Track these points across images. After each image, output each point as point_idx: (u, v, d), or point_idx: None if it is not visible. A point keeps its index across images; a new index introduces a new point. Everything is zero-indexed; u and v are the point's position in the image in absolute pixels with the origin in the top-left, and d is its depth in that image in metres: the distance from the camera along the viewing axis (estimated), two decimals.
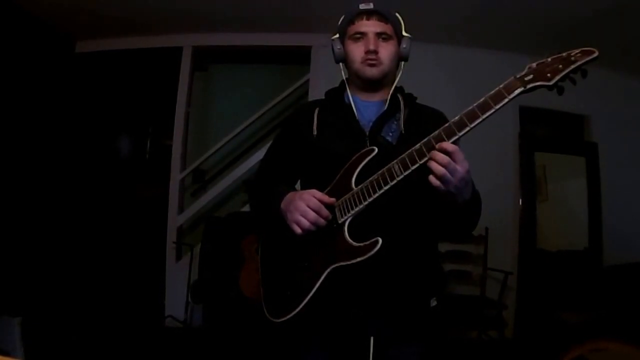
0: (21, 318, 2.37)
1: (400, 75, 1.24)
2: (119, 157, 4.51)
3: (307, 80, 3.88)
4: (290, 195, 1.13)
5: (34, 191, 3.56)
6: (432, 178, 0.93)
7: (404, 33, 1.21)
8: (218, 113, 4.51)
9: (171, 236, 3.81)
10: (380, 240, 0.98)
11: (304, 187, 1.21)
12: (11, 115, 3.32)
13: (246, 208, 3.80)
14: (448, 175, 0.92)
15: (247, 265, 3.12)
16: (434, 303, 1.15)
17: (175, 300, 3.62)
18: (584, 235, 3.74)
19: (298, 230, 1.07)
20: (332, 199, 1.08)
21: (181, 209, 3.91)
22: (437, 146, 0.93)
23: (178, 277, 3.67)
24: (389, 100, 1.19)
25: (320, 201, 1.07)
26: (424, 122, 1.14)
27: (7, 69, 3.28)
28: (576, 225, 3.77)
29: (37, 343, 2.52)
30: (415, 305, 1.14)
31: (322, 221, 1.06)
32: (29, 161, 3.51)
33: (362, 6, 1.18)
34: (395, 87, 1.22)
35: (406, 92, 1.26)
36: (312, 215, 1.05)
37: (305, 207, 1.06)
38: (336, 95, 1.26)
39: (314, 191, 1.09)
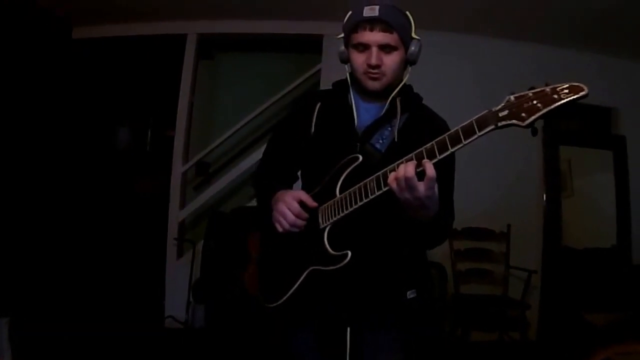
0: (9, 318, 2.33)
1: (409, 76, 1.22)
2: (117, 149, 4.46)
3: (319, 70, 3.82)
4: (279, 194, 1.20)
5: (26, 185, 3.47)
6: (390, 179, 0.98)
7: (413, 35, 1.17)
8: (224, 103, 4.47)
9: (172, 232, 3.75)
10: (350, 254, 1.07)
11: (302, 177, 1.32)
12: (1, 106, 3.23)
13: (253, 203, 3.75)
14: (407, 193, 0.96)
15: (253, 262, 3.00)
16: (412, 295, 1.20)
17: (176, 300, 3.56)
18: (612, 232, 3.69)
19: (279, 229, 1.18)
20: (314, 204, 1.15)
21: (183, 204, 3.85)
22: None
23: (179, 276, 3.62)
24: (387, 105, 1.19)
25: (305, 203, 1.15)
26: (420, 131, 1.14)
27: None
28: (603, 222, 3.73)
29: (25, 344, 2.47)
30: (388, 298, 1.20)
31: (300, 223, 1.15)
32: (22, 154, 3.42)
33: (366, 13, 1.12)
34: (401, 89, 1.20)
35: (415, 91, 1.26)
36: (291, 218, 1.15)
37: (286, 209, 1.15)
38: (341, 90, 1.27)
39: (300, 193, 1.17)
